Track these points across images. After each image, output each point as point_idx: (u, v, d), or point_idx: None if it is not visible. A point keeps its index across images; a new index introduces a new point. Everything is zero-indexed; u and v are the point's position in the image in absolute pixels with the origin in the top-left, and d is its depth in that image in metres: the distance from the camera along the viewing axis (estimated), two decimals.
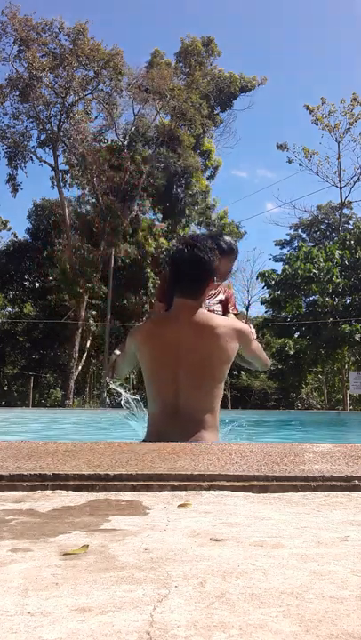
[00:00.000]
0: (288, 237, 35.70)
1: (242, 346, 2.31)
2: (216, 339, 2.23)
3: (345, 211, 31.69)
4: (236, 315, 3.26)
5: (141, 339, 2.37)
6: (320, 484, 1.33)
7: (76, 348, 22.50)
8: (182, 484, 1.32)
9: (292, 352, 21.52)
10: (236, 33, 55.87)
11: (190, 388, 2.21)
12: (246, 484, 1.32)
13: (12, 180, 23.40)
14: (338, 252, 20.25)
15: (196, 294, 2.30)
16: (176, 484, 1.31)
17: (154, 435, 2.24)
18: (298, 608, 0.64)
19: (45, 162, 23.36)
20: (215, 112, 27.35)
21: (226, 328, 2.27)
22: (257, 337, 2.57)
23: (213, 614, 0.63)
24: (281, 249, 34.99)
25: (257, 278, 23.35)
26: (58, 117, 22.70)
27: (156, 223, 24.68)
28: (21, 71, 21.80)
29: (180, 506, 1.16)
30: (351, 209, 32.96)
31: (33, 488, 1.31)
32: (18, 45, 21.72)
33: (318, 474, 1.36)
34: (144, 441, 2.23)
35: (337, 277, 19.86)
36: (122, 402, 2.69)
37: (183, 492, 1.28)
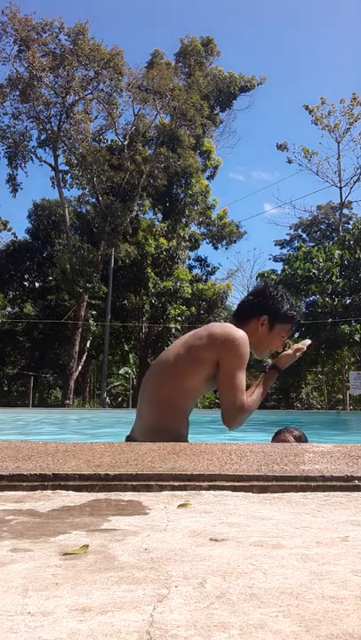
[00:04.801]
0: (288, 237, 35.75)
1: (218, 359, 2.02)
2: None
3: (345, 211, 31.72)
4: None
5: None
6: (320, 483, 1.33)
7: (76, 348, 22.49)
8: (182, 483, 1.31)
9: None
10: (236, 33, 55.94)
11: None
12: (246, 483, 1.32)
13: (12, 180, 23.40)
14: (338, 252, 20.23)
15: (238, 316, 2.23)
16: (176, 483, 1.31)
17: None
18: (298, 608, 0.64)
19: (45, 162, 23.40)
20: (215, 112, 27.35)
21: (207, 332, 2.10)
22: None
23: (213, 614, 0.63)
24: (281, 249, 35.04)
25: (257, 278, 23.36)
26: (58, 117, 22.72)
27: (156, 223, 24.68)
28: (21, 71, 21.83)
29: (180, 506, 1.15)
30: (351, 209, 33.04)
31: (33, 488, 1.31)
32: (18, 45, 21.73)
33: (318, 474, 1.36)
34: None
35: (337, 277, 19.85)
36: None
37: (183, 492, 1.28)
